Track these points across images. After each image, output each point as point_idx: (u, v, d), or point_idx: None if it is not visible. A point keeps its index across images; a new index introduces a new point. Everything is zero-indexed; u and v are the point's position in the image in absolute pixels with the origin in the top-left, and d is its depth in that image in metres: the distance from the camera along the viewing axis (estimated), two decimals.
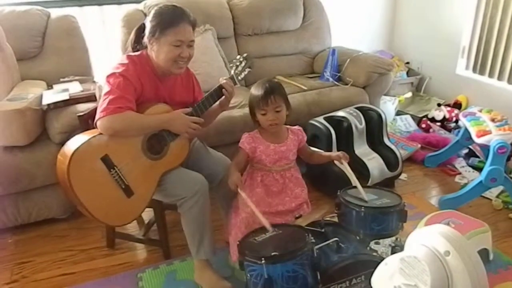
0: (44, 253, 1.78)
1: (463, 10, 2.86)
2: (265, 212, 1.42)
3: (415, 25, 3.27)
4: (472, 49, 2.88)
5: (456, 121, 2.77)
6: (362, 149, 2.12)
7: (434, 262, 0.95)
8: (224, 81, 1.55)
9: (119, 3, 2.60)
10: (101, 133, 1.37)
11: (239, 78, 1.66)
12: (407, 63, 3.36)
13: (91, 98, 1.87)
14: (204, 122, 1.61)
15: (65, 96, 1.83)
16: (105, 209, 1.40)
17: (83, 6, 2.54)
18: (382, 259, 1.11)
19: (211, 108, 1.57)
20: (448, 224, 1.55)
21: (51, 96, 1.85)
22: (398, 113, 2.94)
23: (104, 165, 1.36)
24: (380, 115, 2.18)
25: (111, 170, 1.37)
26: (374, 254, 1.37)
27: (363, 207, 1.36)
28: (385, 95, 2.74)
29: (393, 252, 1.48)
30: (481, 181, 1.89)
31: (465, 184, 2.15)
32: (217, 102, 1.57)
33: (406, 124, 2.83)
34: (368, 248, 1.41)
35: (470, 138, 2.06)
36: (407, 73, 3.30)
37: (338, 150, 1.79)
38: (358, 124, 2.10)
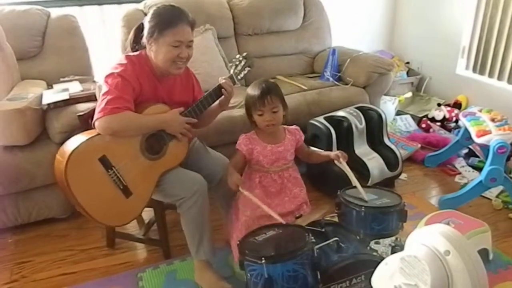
0: (44, 253, 1.78)
1: (463, 10, 2.86)
2: (264, 215, 1.42)
3: (415, 25, 3.27)
4: (472, 49, 2.88)
5: (456, 121, 2.77)
6: (362, 149, 2.12)
7: (434, 262, 0.95)
8: (223, 80, 1.55)
9: (119, 3, 2.60)
10: (99, 134, 1.37)
11: (239, 77, 1.66)
12: (407, 63, 3.36)
13: (91, 97, 1.87)
14: (201, 122, 1.61)
15: (65, 96, 1.83)
16: (103, 209, 1.40)
17: (83, 5, 2.53)
18: (382, 258, 1.11)
19: (210, 108, 1.57)
20: (448, 224, 1.55)
21: (51, 96, 1.85)
22: (398, 113, 2.94)
23: (102, 166, 1.36)
24: (380, 115, 2.18)
25: (109, 170, 1.37)
26: (374, 254, 1.37)
27: (363, 207, 1.36)
28: (385, 95, 2.74)
29: (393, 252, 1.48)
30: (481, 181, 1.89)
31: (465, 184, 2.15)
32: (217, 102, 1.57)
33: (406, 124, 2.83)
34: (368, 248, 1.41)
35: (470, 138, 2.06)
36: (407, 73, 3.30)
37: (338, 150, 1.79)
38: (358, 124, 2.10)
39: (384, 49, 3.42)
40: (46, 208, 1.90)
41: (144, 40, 1.44)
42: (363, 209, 1.36)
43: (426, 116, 2.89)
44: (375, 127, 2.18)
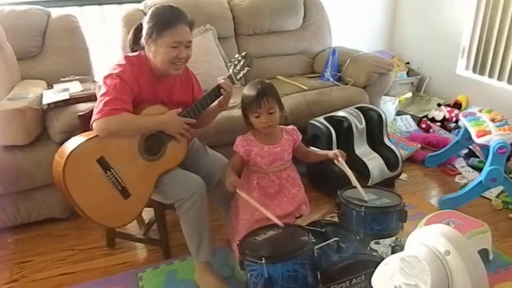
0: (44, 252, 1.78)
1: (463, 10, 2.86)
2: (263, 218, 1.42)
3: (415, 25, 3.27)
4: (472, 49, 2.88)
5: (456, 121, 2.77)
6: (362, 149, 2.12)
7: (435, 262, 0.95)
8: (222, 80, 1.54)
9: (120, 3, 2.60)
10: (97, 135, 1.37)
11: (238, 77, 1.64)
12: (407, 63, 3.36)
13: (92, 97, 1.87)
14: (201, 122, 1.61)
15: (65, 96, 1.83)
16: (102, 210, 1.40)
17: (83, 5, 2.54)
18: (382, 259, 1.11)
19: (210, 108, 1.57)
20: (448, 224, 1.55)
21: (51, 96, 1.85)
22: (398, 113, 2.94)
23: (100, 167, 1.36)
24: (380, 115, 2.18)
25: (107, 172, 1.37)
26: (374, 254, 1.37)
27: (363, 207, 1.37)
28: (385, 95, 2.74)
29: (393, 252, 1.48)
30: (481, 181, 1.89)
31: (465, 184, 2.15)
32: (216, 102, 1.57)
33: (406, 124, 2.83)
34: (368, 248, 1.41)
35: (470, 138, 2.06)
36: (407, 73, 3.30)
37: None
38: (359, 124, 2.10)
39: (384, 49, 3.42)
40: (46, 208, 1.90)
41: (142, 40, 1.44)
42: (363, 209, 1.36)
43: (426, 116, 2.90)
44: (375, 127, 2.18)
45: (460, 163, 2.39)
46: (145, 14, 2.22)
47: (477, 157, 2.40)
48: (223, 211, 1.66)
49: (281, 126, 1.56)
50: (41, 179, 1.79)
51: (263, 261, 1.15)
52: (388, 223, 1.38)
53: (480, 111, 2.13)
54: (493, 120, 1.98)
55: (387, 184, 2.10)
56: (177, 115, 1.47)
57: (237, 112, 2.07)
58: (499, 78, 2.71)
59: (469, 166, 2.37)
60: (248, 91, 1.46)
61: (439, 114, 2.83)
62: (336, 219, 1.49)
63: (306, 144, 1.79)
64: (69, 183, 1.33)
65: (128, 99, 1.39)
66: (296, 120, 2.20)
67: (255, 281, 1.18)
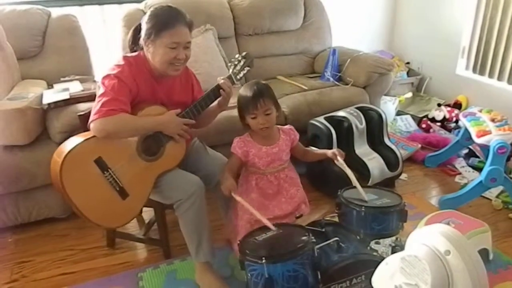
0: (44, 252, 1.78)
1: (463, 10, 2.86)
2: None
3: (415, 25, 3.28)
4: (472, 50, 2.88)
5: (456, 121, 2.77)
6: (362, 149, 2.12)
7: (435, 261, 0.95)
8: (222, 81, 1.54)
9: (120, 3, 2.60)
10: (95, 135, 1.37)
11: (238, 77, 1.63)
12: (408, 63, 3.36)
13: (92, 97, 1.85)
14: (201, 122, 1.61)
15: (65, 96, 1.83)
16: (99, 211, 1.40)
17: (83, 5, 2.54)
18: (383, 258, 1.11)
19: (209, 108, 1.57)
20: (448, 224, 1.55)
21: (51, 96, 1.85)
22: (399, 113, 2.94)
23: (97, 167, 1.36)
24: (380, 115, 2.18)
25: (105, 172, 1.37)
26: (375, 254, 1.37)
27: (363, 207, 1.37)
28: (385, 95, 2.74)
29: (393, 252, 1.48)
30: (481, 181, 1.89)
31: (465, 184, 2.15)
32: (216, 102, 1.57)
33: (407, 124, 2.83)
34: (368, 248, 1.41)
35: (470, 138, 2.06)
36: (408, 73, 3.30)
37: None
38: (359, 124, 2.10)
39: (384, 49, 3.42)
40: (46, 208, 1.90)
41: (141, 41, 1.44)
42: (363, 209, 1.36)
43: (426, 116, 2.90)
44: (375, 127, 2.18)
45: (460, 163, 2.39)
46: (145, 14, 2.22)
47: (477, 157, 2.40)
48: (223, 211, 1.66)
49: (279, 126, 1.56)
50: (41, 179, 1.79)
51: (264, 261, 1.15)
52: (388, 223, 1.38)
53: (480, 111, 2.13)
54: (493, 120, 1.98)
55: (387, 184, 2.10)
56: (176, 116, 1.47)
57: (237, 112, 2.08)
58: (499, 78, 2.71)
59: (469, 166, 2.37)
60: (244, 92, 1.46)
61: (439, 114, 2.83)
62: (336, 219, 1.49)
63: (307, 144, 1.79)
64: (66, 183, 1.33)
65: (126, 100, 1.38)
66: (296, 120, 2.21)
67: (256, 281, 1.18)
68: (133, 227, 1.91)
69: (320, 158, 1.60)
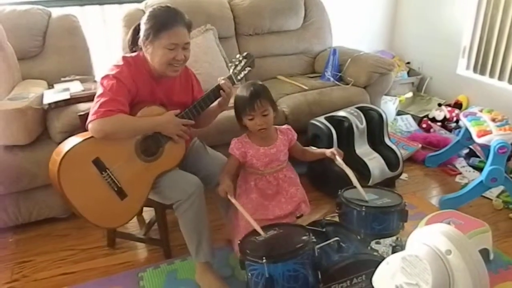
0: (44, 252, 1.78)
1: (464, 10, 2.86)
2: (263, 219, 1.43)
3: (415, 25, 3.27)
4: (472, 49, 2.88)
5: (457, 121, 2.77)
6: (363, 149, 2.12)
7: (436, 261, 0.95)
8: (223, 81, 1.53)
9: (120, 3, 2.60)
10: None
11: (238, 77, 1.63)
12: (408, 63, 3.36)
13: (92, 97, 1.83)
14: (201, 122, 1.61)
15: (66, 96, 1.83)
16: (98, 211, 1.40)
17: (84, 5, 2.54)
18: (383, 258, 1.11)
19: (210, 108, 1.57)
20: (448, 224, 1.55)
21: (52, 96, 1.85)
22: (399, 113, 2.94)
23: (95, 168, 1.37)
24: (381, 115, 2.18)
25: (103, 172, 1.37)
26: (375, 253, 1.37)
27: (364, 207, 1.36)
28: (386, 95, 2.74)
29: (393, 252, 1.48)
30: (481, 181, 1.89)
31: (466, 184, 2.15)
32: (216, 102, 1.56)
33: (407, 124, 2.83)
34: (369, 247, 1.41)
35: (471, 138, 2.06)
36: (408, 73, 3.30)
37: None
38: (359, 124, 2.10)
39: (384, 49, 3.42)
40: (47, 208, 1.90)
41: (140, 42, 1.44)
42: (363, 209, 1.36)
43: (426, 116, 2.89)
44: (375, 127, 2.18)
45: (460, 163, 2.39)
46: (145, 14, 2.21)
47: (478, 157, 2.40)
48: (223, 210, 1.66)
49: (276, 126, 1.55)
50: (42, 179, 1.79)
51: (264, 260, 1.15)
52: (389, 223, 1.38)
53: (481, 111, 2.12)
54: (493, 120, 1.98)
55: (388, 184, 2.10)
56: (175, 116, 1.46)
57: (234, 114, 2.08)
58: (500, 78, 2.71)
59: (470, 166, 2.37)
60: (241, 94, 1.45)
61: (439, 114, 2.83)
62: (336, 219, 1.49)
63: (307, 144, 1.79)
64: (64, 183, 1.33)
65: (125, 101, 1.38)
66: (297, 120, 2.21)
67: (256, 280, 1.18)
68: (133, 227, 1.91)
69: (319, 158, 1.59)
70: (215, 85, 1.54)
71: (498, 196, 2.07)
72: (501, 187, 2.04)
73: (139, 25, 1.45)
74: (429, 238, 1.01)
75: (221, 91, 1.53)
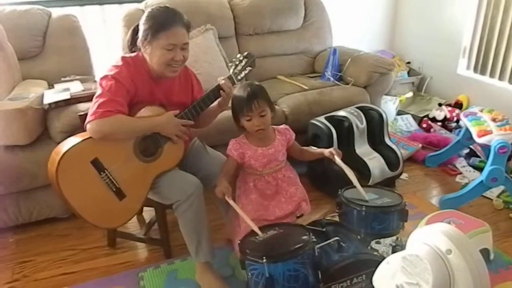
0: (45, 252, 1.78)
1: (464, 10, 2.86)
2: (263, 219, 1.43)
3: (416, 25, 3.27)
4: (473, 49, 2.87)
5: (457, 121, 2.77)
6: (363, 149, 2.12)
7: (436, 261, 0.95)
8: (223, 81, 1.53)
9: (120, 3, 2.60)
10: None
11: (239, 77, 1.62)
12: (408, 63, 3.36)
13: (92, 97, 1.86)
14: (201, 122, 1.61)
15: (66, 96, 1.83)
16: (96, 211, 1.40)
17: (84, 5, 2.54)
18: (383, 258, 1.11)
19: (210, 108, 1.56)
20: (449, 223, 1.54)
21: (52, 96, 1.86)
22: (399, 112, 2.94)
23: (94, 168, 1.37)
24: (381, 115, 2.18)
25: (101, 173, 1.37)
26: (375, 253, 1.37)
27: (364, 207, 1.36)
28: (386, 94, 2.74)
29: (394, 252, 1.48)
30: (482, 181, 1.89)
31: (466, 184, 2.15)
32: (216, 102, 1.56)
33: (407, 123, 2.83)
34: (369, 247, 1.41)
35: (471, 138, 2.06)
36: (408, 73, 3.30)
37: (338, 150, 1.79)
38: (359, 123, 2.10)
39: (385, 49, 3.42)
40: (47, 208, 1.90)
41: (138, 42, 1.44)
42: (364, 209, 1.36)
43: (427, 116, 2.89)
44: (376, 127, 2.18)
45: (461, 163, 2.39)
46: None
47: (478, 157, 2.40)
48: (223, 210, 1.66)
49: (274, 126, 1.55)
50: (42, 179, 1.79)
51: (264, 260, 1.15)
52: (389, 223, 1.38)
53: (481, 110, 2.12)
54: (494, 120, 1.98)
55: (388, 183, 2.10)
56: (174, 117, 1.46)
57: (232, 115, 2.07)
58: (500, 78, 2.71)
59: (470, 166, 2.36)
60: (238, 95, 1.45)
61: (440, 114, 2.83)
62: (337, 219, 1.49)
63: (307, 144, 1.79)
64: (62, 183, 1.33)
65: (123, 101, 1.38)
66: (297, 119, 2.21)
67: (256, 280, 1.18)
68: (133, 227, 1.91)
69: (318, 158, 1.59)
70: (215, 85, 1.54)
71: (498, 196, 2.07)
72: (502, 187, 2.04)
73: (138, 25, 1.45)
74: (430, 238, 1.01)
75: (221, 91, 1.53)
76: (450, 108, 2.86)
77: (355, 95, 2.39)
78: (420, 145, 2.52)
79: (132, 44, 1.50)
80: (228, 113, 1.98)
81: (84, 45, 2.29)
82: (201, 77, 1.75)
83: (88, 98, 1.86)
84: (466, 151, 2.45)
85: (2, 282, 1.62)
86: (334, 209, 1.49)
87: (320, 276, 1.21)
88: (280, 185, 1.52)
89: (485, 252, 1.57)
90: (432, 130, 2.77)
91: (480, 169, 2.25)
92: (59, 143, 1.75)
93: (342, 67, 2.55)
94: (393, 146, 2.19)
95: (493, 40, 2.70)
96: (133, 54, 1.48)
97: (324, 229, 1.43)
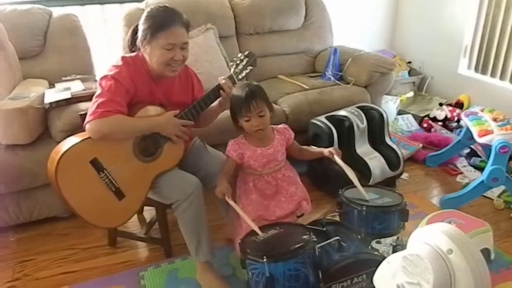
0: (45, 251, 1.79)
1: (465, 9, 2.85)
2: (264, 219, 1.42)
3: (417, 25, 3.27)
4: (474, 49, 2.87)
5: (458, 121, 2.76)
6: (363, 148, 2.12)
7: (437, 260, 0.95)
8: (223, 81, 1.53)
9: (121, 2, 2.60)
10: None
11: (239, 77, 1.62)
12: (409, 62, 3.35)
13: (93, 97, 1.87)
14: (202, 122, 1.60)
15: (67, 95, 1.83)
16: (95, 211, 1.41)
17: (85, 5, 2.54)
18: (384, 258, 1.11)
19: (210, 108, 1.56)
20: (449, 223, 1.54)
21: (53, 95, 1.86)
22: (400, 112, 2.94)
23: (93, 168, 1.37)
24: (381, 115, 2.17)
25: (101, 173, 1.38)
26: (376, 253, 1.37)
27: (364, 206, 1.36)
28: (386, 94, 2.73)
29: (394, 251, 1.48)
30: (482, 181, 1.89)
31: (467, 184, 2.15)
32: (216, 102, 1.56)
33: (408, 123, 2.82)
34: (369, 247, 1.41)
35: (472, 137, 2.05)
36: (409, 72, 3.29)
37: (339, 150, 1.79)
38: (360, 123, 2.09)
39: (385, 48, 3.41)
40: (48, 207, 1.90)
41: (138, 42, 1.43)
42: (364, 208, 1.36)
43: (427, 115, 2.89)
44: (376, 127, 2.18)
45: (461, 163, 2.39)
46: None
47: (479, 156, 2.40)
48: (224, 210, 1.66)
49: (273, 126, 1.54)
50: (43, 178, 1.78)
51: (265, 260, 1.15)
52: (390, 222, 1.38)
53: (482, 110, 2.12)
54: (495, 120, 1.98)
55: (388, 183, 2.10)
56: (174, 117, 1.46)
57: (230, 115, 2.07)
58: (501, 77, 2.70)
59: (471, 165, 2.36)
60: (236, 95, 1.44)
61: (440, 114, 2.82)
62: (337, 218, 1.49)
63: (307, 143, 1.79)
64: (62, 183, 1.33)
65: (123, 101, 1.38)
66: (297, 119, 2.21)
67: (257, 280, 1.18)
68: (134, 226, 1.92)
69: (317, 157, 1.59)
70: (215, 85, 1.54)
71: (499, 196, 2.07)
72: (502, 187, 2.04)
73: (137, 25, 1.45)
74: (431, 237, 1.00)
75: (221, 91, 1.52)
76: (451, 108, 2.85)
77: (355, 95, 2.39)
78: (421, 145, 2.52)
79: (132, 44, 1.50)
80: (228, 112, 1.98)
81: (85, 45, 2.29)
82: (202, 76, 1.75)
83: (89, 97, 1.85)
84: (467, 151, 2.45)
85: (3, 281, 1.62)
86: (334, 208, 1.49)
87: (320, 275, 1.21)
88: (280, 184, 1.52)
89: (485, 252, 1.57)
90: (432, 130, 2.77)
91: (480, 169, 2.25)
92: (59, 142, 1.77)
93: (342, 67, 2.54)
94: (394, 146, 2.18)
95: (494, 39, 2.69)
96: (133, 54, 1.48)
97: (324, 229, 1.43)
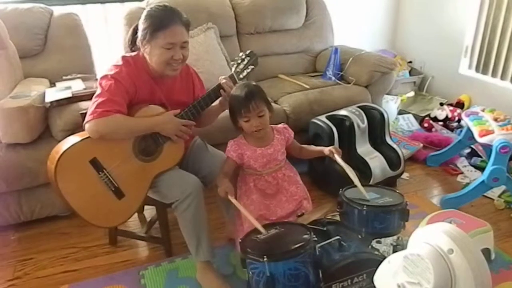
0: (46, 250, 1.79)
1: (467, 9, 2.85)
2: (265, 219, 1.43)
3: (418, 24, 3.27)
4: (475, 49, 2.87)
5: (459, 121, 2.76)
6: (364, 148, 2.12)
7: (438, 260, 0.95)
8: (224, 80, 1.52)
9: (122, 1, 2.60)
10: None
11: (240, 76, 1.61)
12: (410, 62, 3.35)
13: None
14: (203, 121, 1.60)
15: (67, 94, 1.84)
16: (95, 210, 1.41)
17: (85, 4, 2.54)
18: (384, 258, 1.11)
19: (211, 107, 1.56)
20: (450, 223, 1.54)
21: (54, 94, 1.86)
22: (401, 112, 2.94)
23: (93, 168, 1.37)
24: (382, 114, 2.17)
25: (100, 172, 1.38)
26: (376, 253, 1.37)
27: (365, 206, 1.36)
28: (387, 94, 2.73)
29: (394, 251, 1.48)
30: (483, 181, 1.89)
31: (467, 184, 2.14)
32: (217, 101, 1.56)
33: (408, 123, 2.82)
34: (369, 247, 1.41)
35: (473, 137, 2.05)
36: (410, 72, 3.29)
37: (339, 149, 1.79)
38: (360, 123, 2.09)
39: (386, 48, 3.41)
40: (49, 206, 1.90)
41: (138, 42, 1.43)
42: (365, 208, 1.36)
43: (428, 115, 2.89)
44: (377, 126, 2.18)
45: (462, 163, 2.39)
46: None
47: (480, 156, 2.39)
48: (224, 209, 1.66)
49: (272, 125, 1.54)
50: (44, 177, 1.77)
51: (265, 259, 1.15)
52: (390, 222, 1.37)
53: (483, 110, 2.12)
54: (496, 120, 1.98)
55: (389, 183, 2.10)
56: (174, 117, 1.46)
57: (229, 116, 2.07)
58: (502, 77, 2.70)
59: (472, 165, 2.36)
60: (235, 95, 1.44)
61: (441, 113, 2.82)
62: (338, 218, 1.49)
63: (308, 143, 1.78)
64: (61, 182, 1.34)
65: (122, 101, 1.38)
66: (298, 119, 2.21)
67: (257, 279, 1.19)
68: (134, 225, 1.92)
69: (317, 156, 1.58)
70: (216, 84, 1.54)
71: (499, 196, 2.07)
72: (503, 187, 2.04)
73: (137, 25, 1.45)
74: (431, 237, 1.01)
75: (221, 90, 1.52)
76: (451, 108, 2.85)
77: (356, 94, 2.39)
78: (422, 145, 2.52)
79: (132, 44, 1.50)
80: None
81: (86, 44, 2.29)
82: (203, 75, 1.75)
83: (90, 96, 1.84)
84: (468, 150, 2.45)
85: (3, 279, 1.62)
86: (335, 208, 1.49)
87: (320, 275, 1.21)
88: (280, 184, 1.52)
89: (486, 252, 1.57)
90: (433, 129, 2.76)
91: (481, 169, 2.25)
92: (60, 141, 1.77)
93: (343, 66, 2.54)
94: (394, 146, 2.18)
95: (495, 39, 2.69)
96: (133, 54, 1.48)
97: (325, 228, 1.43)
